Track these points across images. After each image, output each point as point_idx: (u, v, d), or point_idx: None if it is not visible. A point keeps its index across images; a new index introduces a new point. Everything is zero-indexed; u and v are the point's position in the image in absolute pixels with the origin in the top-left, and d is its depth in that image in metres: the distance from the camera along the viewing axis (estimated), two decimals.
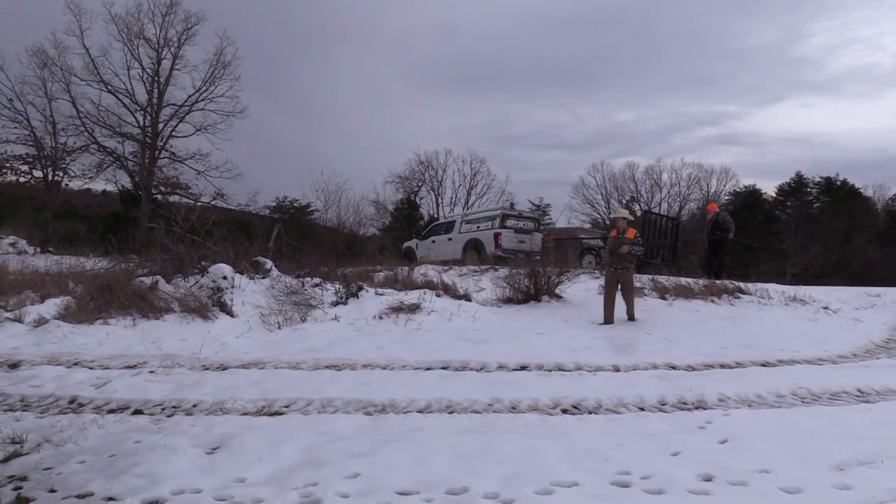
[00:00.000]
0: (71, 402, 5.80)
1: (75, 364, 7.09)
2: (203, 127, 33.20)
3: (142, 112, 32.63)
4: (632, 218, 11.22)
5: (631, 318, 10.46)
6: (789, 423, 5.20)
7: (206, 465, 4.18)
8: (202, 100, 33.28)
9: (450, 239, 19.72)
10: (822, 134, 78.38)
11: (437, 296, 11.05)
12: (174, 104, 33.17)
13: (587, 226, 47.01)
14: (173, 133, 33.48)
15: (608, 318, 10.27)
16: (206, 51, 33.24)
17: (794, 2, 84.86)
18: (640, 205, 50.61)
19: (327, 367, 7.14)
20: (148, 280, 9.99)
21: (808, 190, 52.39)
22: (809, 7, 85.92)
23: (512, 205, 31.94)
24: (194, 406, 5.66)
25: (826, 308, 11.56)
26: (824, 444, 4.56)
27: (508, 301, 11.65)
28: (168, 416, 5.39)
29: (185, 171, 33.38)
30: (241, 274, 10.64)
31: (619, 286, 10.53)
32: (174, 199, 32.59)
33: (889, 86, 78.09)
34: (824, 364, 7.80)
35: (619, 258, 10.48)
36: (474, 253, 18.14)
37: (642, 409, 5.62)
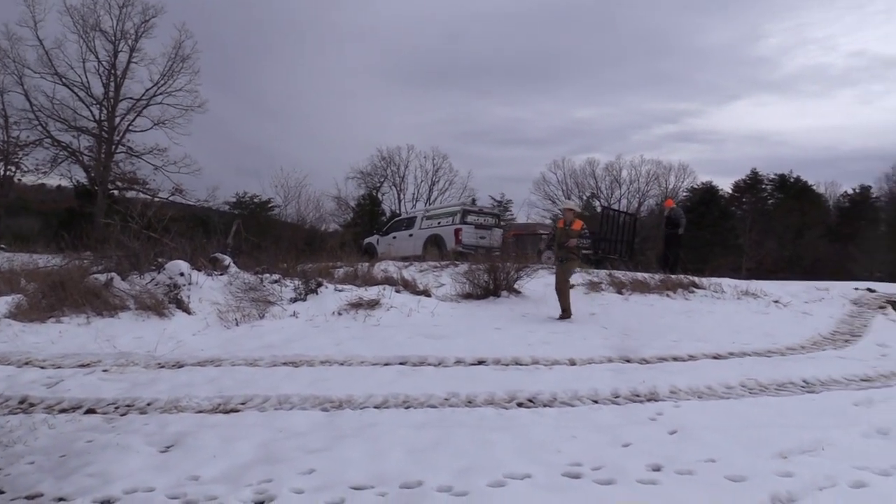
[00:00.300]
0: (21, 402, 5.69)
1: (26, 363, 6.95)
2: (161, 121, 32.74)
3: (98, 106, 32.05)
4: (579, 210, 11.16)
5: (565, 315, 10.28)
6: (737, 413, 5.37)
7: (160, 464, 4.15)
8: (160, 94, 32.85)
9: (411, 235, 19.75)
10: (777, 132, 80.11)
11: (397, 291, 11.08)
12: (131, 98, 32.65)
13: (548, 221, 47.41)
14: (130, 127, 32.98)
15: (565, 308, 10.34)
16: (164, 44, 32.59)
17: (751, 2, 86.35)
18: (599, 201, 51.21)
19: (285, 363, 7.12)
20: (103, 277, 9.81)
21: (763, 187, 53.62)
22: (766, 8, 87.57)
23: (473, 201, 32.15)
24: (148, 404, 5.61)
25: (777, 302, 11.88)
26: (769, 433, 4.72)
27: (468, 296, 11.73)
28: (121, 415, 5.34)
29: (143, 167, 32.84)
30: (199, 270, 10.53)
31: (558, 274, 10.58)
32: (131, 194, 32.06)
33: (840, 86, 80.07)
34: (773, 356, 8.03)
35: (566, 250, 10.54)
36: (435, 249, 18.19)
37: (596, 402, 5.74)
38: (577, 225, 10.76)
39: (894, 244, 43.14)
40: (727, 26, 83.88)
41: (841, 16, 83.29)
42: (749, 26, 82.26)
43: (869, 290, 13.10)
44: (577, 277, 13.07)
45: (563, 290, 10.45)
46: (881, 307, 11.51)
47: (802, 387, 6.44)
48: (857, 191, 53.99)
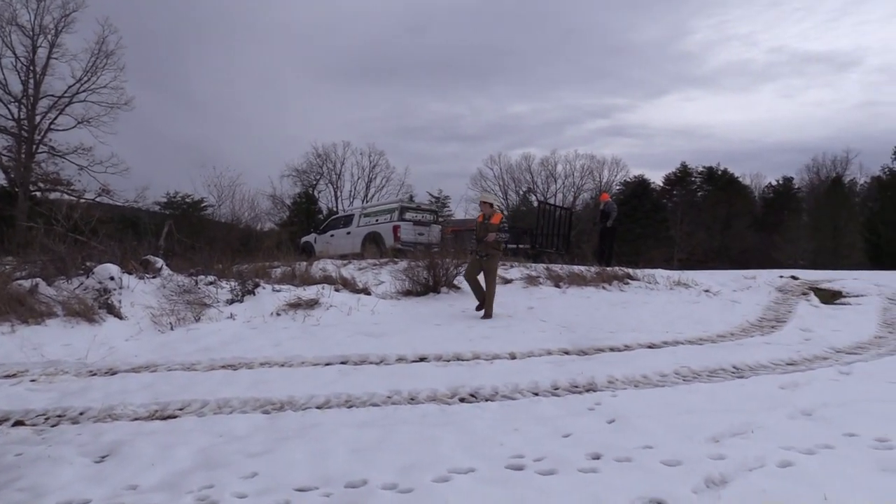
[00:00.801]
0: None
1: None
2: (85, 119, 31.65)
3: (16, 104, 30.74)
4: (497, 202, 10.96)
5: (487, 314, 10.03)
6: (671, 400, 5.52)
7: (95, 475, 4.03)
8: (83, 91, 31.76)
9: (349, 233, 19.63)
10: (703, 126, 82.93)
11: (336, 290, 11.00)
12: (52, 95, 31.42)
13: None
14: (52, 126, 31.72)
15: (482, 298, 10.25)
16: (86, 39, 31.82)
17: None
18: (536, 195, 51.96)
19: (223, 366, 7.00)
20: (27, 283, 9.42)
21: (692, 179, 55.33)
22: (691, 5, 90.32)
23: (411, 197, 32.16)
24: (81, 414, 5.43)
25: (707, 291, 12.29)
26: (702, 418, 4.87)
27: (408, 293, 11.75)
28: (52, 426, 5.15)
29: (67, 167, 31.64)
30: (130, 274, 10.22)
31: (483, 273, 10.28)
32: (55, 196, 30.81)
33: (762, 81, 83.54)
34: (705, 344, 8.30)
35: (485, 245, 10.21)
36: (374, 246, 18.13)
37: (536, 395, 5.83)
38: (496, 218, 10.35)
39: (816, 233, 45.14)
40: (654, 23, 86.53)
41: (761, 13, 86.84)
42: (675, 23, 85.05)
43: (793, 277, 13.68)
44: (514, 272, 13.24)
45: (491, 289, 10.19)
46: (804, 293, 12.03)
47: (732, 372, 6.68)
48: (781, 182, 56.41)
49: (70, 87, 31.40)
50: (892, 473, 3.69)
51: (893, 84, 78.96)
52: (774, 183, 56.98)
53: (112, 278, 9.61)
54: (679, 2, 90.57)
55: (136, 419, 5.27)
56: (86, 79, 31.56)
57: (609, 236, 17.17)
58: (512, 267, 14.03)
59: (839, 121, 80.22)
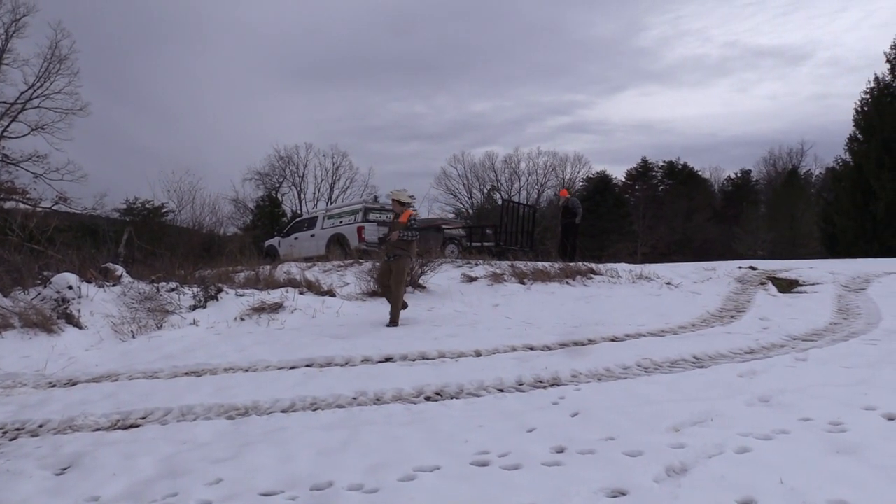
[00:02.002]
0: None
1: None
2: (39, 126, 30.88)
3: None
4: (407, 199, 9.98)
5: (393, 321, 9.33)
6: (633, 392, 5.61)
7: (55, 487, 3.97)
8: (37, 97, 30.96)
9: (313, 235, 19.53)
10: (662, 120, 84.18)
11: (301, 293, 10.95)
12: (4, 102, 30.57)
13: (450, 215, 47.89)
14: (5, 133, 30.84)
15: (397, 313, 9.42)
16: (39, 44, 31.00)
17: None
18: (500, 193, 52.18)
19: (186, 373, 6.93)
20: None
21: (654, 174, 56.17)
22: (645, 1, 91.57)
23: (375, 198, 32.04)
24: (40, 426, 5.33)
25: (669, 283, 12.47)
26: (663, 408, 4.96)
27: (373, 294, 11.72)
28: (11, 440, 5.05)
29: (21, 175, 30.79)
30: (89, 282, 10.04)
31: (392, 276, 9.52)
32: (10, 205, 30.05)
33: (717, 75, 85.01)
34: (666, 335, 8.43)
35: (391, 246, 9.60)
36: (338, 248, 18.06)
37: (501, 391, 5.87)
38: (405, 216, 9.59)
39: (774, 224, 46.07)
40: (610, 19, 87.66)
41: (713, 8, 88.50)
42: (630, 19, 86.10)
43: (751, 267, 13.95)
44: (479, 270, 13.30)
45: (397, 293, 9.43)
46: (762, 283, 12.28)
47: (693, 363, 6.80)
48: (739, 175, 57.48)
49: (23, 93, 30.69)
50: (845, 455, 3.80)
51: (843, 77, 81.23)
52: (733, 176, 58.13)
53: (70, 287, 9.44)
54: None
55: (97, 430, 5.20)
56: (39, 84, 30.87)
57: (573, 232, 17.33)
58: (477, 265, 14.10)
59: (792, 113, 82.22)
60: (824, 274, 12.74)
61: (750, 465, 3.72)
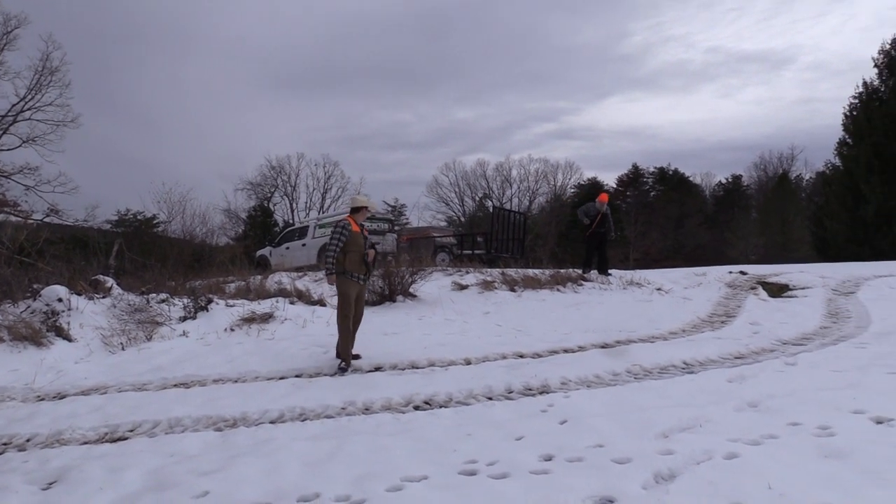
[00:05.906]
0: None
1: None
2: (31, 138, 30.78)
3: None
4: (374, 208, 8.49)
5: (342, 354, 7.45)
6: (622, 399, 5.62)
7: (41, 502, 3.94)
8: (28, 109, 30.84)
9: (304, 245, 19.50)
10: (648, 126, 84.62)
11: (291, 303, 10.92)
12: None
13: (442, 224, 47.93)
14: None
15: (348, 354, 7.43)
16: (30, 56, 30.94)
17: (614, 2, 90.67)
18: (492, 201, 52.21)
19: (175, 385, 6.90)
20: None
21: (645, 180, 56.30)
22: (627, 7, 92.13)
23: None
24: (28, 440, 5.30)
25: (659, 289, 12.50)
26: (652, 415, 4.96)
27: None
28: None
29: (13, 187, 30.60)
30: (79, 294, 9.99)
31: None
32: (0, 217, 29.95)
33: (701, 80, 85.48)
34: (656, 341, 8.45)
35: (367, 267, 7.76)
36: None
37: (490, 399, 5.87)
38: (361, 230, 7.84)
39: (766, 228, 46.24)
40: (593, 26, 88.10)
41: (695, 14, 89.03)
42: (613, 26, 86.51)
43: (742, 272, 14.01)
44: (470, 278, 13.29)
45: (338, 322, 7.54)
46: (752, 288, 12.32)
47: (683, 368, 6.82)
48: (730, 180, 57.66)
49: (14, 105, 30.59)
50: (833, 459, 3.81)
51: (827, 81, 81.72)
52: (724, 181, 58.35)
53: (60, 300, 9.40)
54: (615, 5, 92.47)
55: (84, 443, 5.16)
56: (30, 97, 30.79)
57: (606, 242, 15.67)
58: (468, 273, 14.08)
59: (779, 118, 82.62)
60: (814, 278, 12.80)
61: (738, 470, 3.72)
